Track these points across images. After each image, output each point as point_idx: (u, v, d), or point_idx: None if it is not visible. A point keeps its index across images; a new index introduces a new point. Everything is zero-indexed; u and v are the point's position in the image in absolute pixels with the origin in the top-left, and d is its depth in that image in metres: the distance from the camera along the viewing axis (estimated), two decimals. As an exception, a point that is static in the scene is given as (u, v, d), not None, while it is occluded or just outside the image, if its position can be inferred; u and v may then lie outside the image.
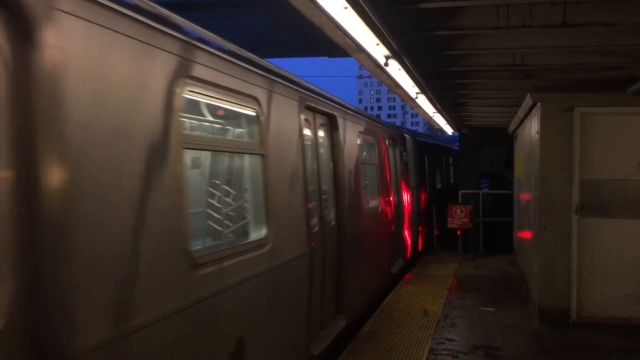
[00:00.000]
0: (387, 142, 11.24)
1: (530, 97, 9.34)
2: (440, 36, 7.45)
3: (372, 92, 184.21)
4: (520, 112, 11.44)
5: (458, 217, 15.11)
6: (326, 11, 5.25)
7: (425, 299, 10.24)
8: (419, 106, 12.64)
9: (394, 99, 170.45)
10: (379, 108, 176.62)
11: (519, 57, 8.72)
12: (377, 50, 6.89)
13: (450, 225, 15.32)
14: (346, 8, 5.22)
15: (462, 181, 19.71)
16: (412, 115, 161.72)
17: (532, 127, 9.97)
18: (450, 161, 23.75)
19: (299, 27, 10.97)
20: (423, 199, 15.55)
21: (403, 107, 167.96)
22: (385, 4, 6.14)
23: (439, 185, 19.70)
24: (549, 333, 8.24)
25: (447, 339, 7.87)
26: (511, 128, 14.78)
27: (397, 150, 12.45)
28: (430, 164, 17.58)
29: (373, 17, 5.68)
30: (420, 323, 8.62)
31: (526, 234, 11.23)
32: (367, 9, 5.45)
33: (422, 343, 7.64)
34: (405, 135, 13.92)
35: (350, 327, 7.90)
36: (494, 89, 11.76)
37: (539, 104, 9.01)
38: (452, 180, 23.31)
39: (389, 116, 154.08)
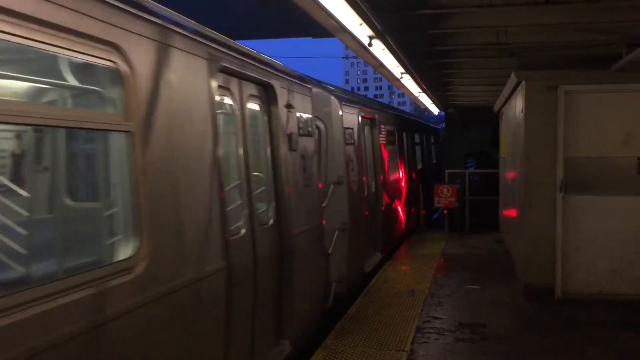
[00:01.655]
0: (235, 89, 5.22)
1: (514, 75, 9.34)
2: (424, 15, 7.40)
3: (358, 72, 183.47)
4: (505, 91, 11.44)
5: (445, 196, 15.17)
6: (308, -9, 5.20)
7: (412, 278, 10.29)
8: (404, 86, 12.60)
9: (381, 79, 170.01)
10: (366, 88, 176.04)
11: (503, 35, 8.68)
12: (361, 30, 6.84)
13: (436, 205, 15.39)
14: (328, -13, 5.18)
15: (449, 161, 19.76)
16: (398, 95, 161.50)
17: (517, 106, 9.98)
18: (418, 140, 18.06)
19: (282, 8, 10.88)
20: (375, 187, 11.23)
21: (390, 87, 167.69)
22: (368, -17, 6.08)
23: (404, 170, 14.61)
24: (534, 310, 8.32)
25: (434, 317, 7.92)
26: (497, 107, 14.80)
27: (284, 113, 6.14)
28: (391, 143, 13.09)
29: (355, -3, 5.64)
30: (407, 302, 8.67)
31: (512, 212, 11.29)
32: (349, -12, 5.40)
33: (409, 322, 7.69)
34: (316, 89, 8.12)
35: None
36: (479, 67, 11.74)
37: (523, 82, 9.01)
38: (419, 165, 17.91)
39: (375, 96, 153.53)
